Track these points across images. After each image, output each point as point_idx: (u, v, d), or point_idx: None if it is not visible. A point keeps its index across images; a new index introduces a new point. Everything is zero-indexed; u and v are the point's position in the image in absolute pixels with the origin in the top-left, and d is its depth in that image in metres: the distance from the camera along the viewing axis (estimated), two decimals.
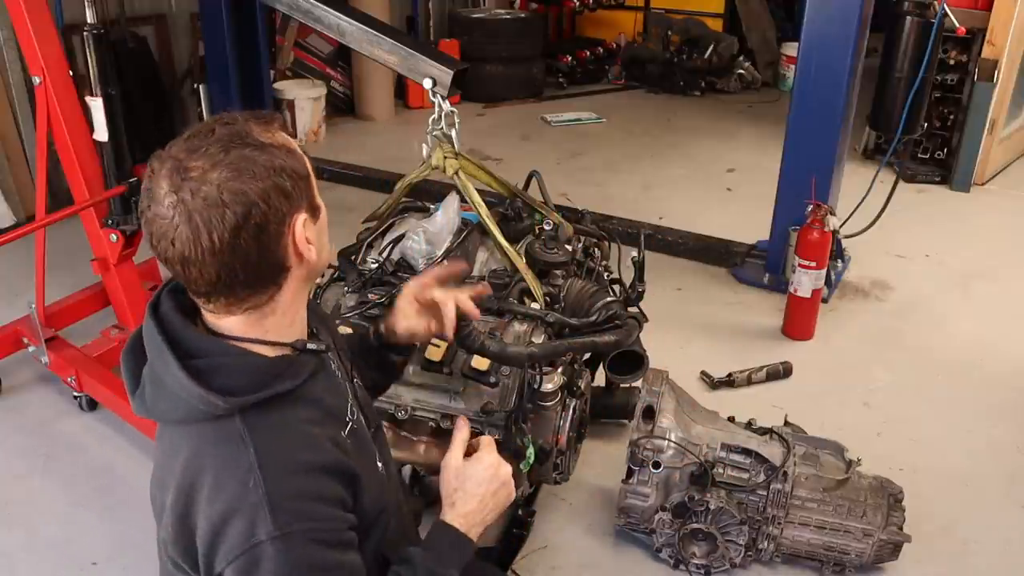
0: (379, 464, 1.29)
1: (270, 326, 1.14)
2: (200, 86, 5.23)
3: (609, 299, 2.12)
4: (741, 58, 7.74)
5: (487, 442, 1.39)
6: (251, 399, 1.07)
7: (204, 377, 1.06)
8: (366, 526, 1.18)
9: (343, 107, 6.89)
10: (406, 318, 1.51)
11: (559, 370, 2.11)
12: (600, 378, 2.61)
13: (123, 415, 2.78)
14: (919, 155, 5.26)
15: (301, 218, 1.09)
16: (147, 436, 2.64)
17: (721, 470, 2.22)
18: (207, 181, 1.01)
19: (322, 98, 6.19)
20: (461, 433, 1.39)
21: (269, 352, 1.13)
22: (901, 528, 2.20)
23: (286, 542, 1.02)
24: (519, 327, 2.06)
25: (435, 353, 2.03)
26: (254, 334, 1.13)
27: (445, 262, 2.12)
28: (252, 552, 1.01)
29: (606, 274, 2.47)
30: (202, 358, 1.09)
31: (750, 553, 2.26)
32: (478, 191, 2.19)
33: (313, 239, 1.12)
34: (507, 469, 1.37)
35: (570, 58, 7.82)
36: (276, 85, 6.01)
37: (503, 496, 1.36)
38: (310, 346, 1.17)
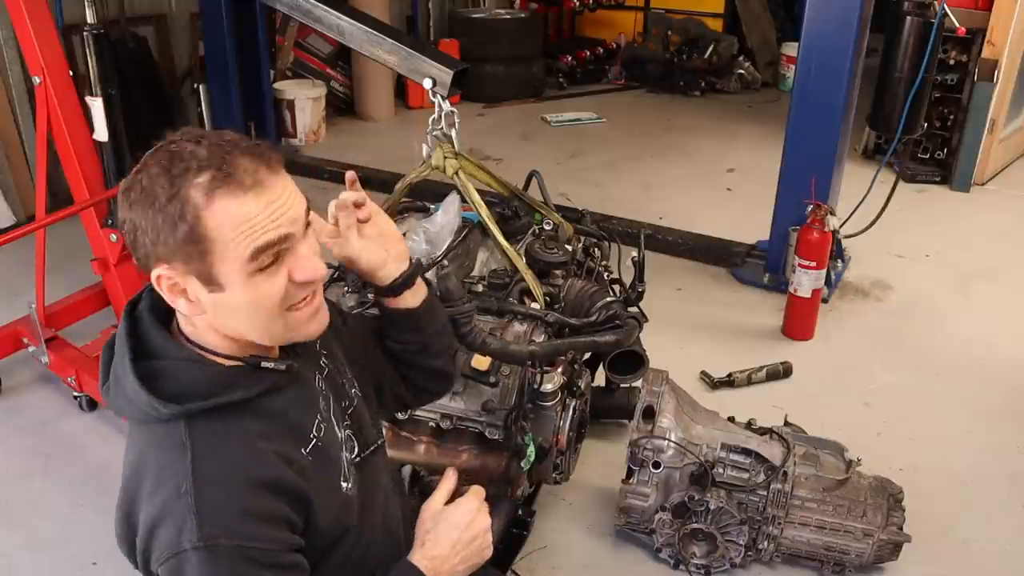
0: (343, 484, 1.22)
1: (222, 339, 1.12)
2: (200, 86, 5.25)
3: (609, 299, 2.12)
4: (741, 58, 7.74)
5: (474, 491, 1.33)
6: (197, 406, 1.06)
7: (154, 380, 1.07)
8: (323, 546, 1.16)
9: (343, 107, 6.89)
10: (342, 252, 1.32)
11: (559, 370, 2.11)
12: (600, 378, 2.61)
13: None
14: (919, 155, 5.26)
15: (165, 271, 1.04)
16: None
17: (721, 470, 2.22)
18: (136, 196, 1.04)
19: (322, 98, 6.19)
20: (447, 482, 1.34)
21: (226, 361, 1.12)
22: (901, 528, 2.20)
23: (210, 553, 1.01)
24: (519, 327, 2.06)
25: None
26: (214, 342, 1.12)
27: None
28: (178, 558, 1.02)
29: (606, 274, 2.47)
30: (159, 360, 1.09)
31: (750, 553, 2.26)
32: (478, 191, 2.19)
33: (198, 299, 1.06)
34: (486, 521, 1.31)
35: (570, 58, 7.82)
36: (276, 85, 6.01)
37: (477, 548, 1.29)
38: (264, 364, 1.13)
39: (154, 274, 1.05)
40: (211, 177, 1.00)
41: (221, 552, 1.01)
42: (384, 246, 1.32)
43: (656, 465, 2.22)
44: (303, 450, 1.14)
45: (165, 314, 1.13)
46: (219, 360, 1.12)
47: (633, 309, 2.22)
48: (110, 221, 2.99)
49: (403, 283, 1.35)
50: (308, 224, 1.11)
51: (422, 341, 1.43)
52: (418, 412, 2.06)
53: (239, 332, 1.10)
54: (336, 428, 1.25)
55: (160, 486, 1.04)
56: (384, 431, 1.49)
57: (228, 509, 1.03)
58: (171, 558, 1.02)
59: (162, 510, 1.03)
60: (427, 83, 2.20)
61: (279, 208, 1.04)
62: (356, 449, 1.29)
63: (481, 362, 2.00)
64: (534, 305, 2.10)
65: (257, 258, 1.03)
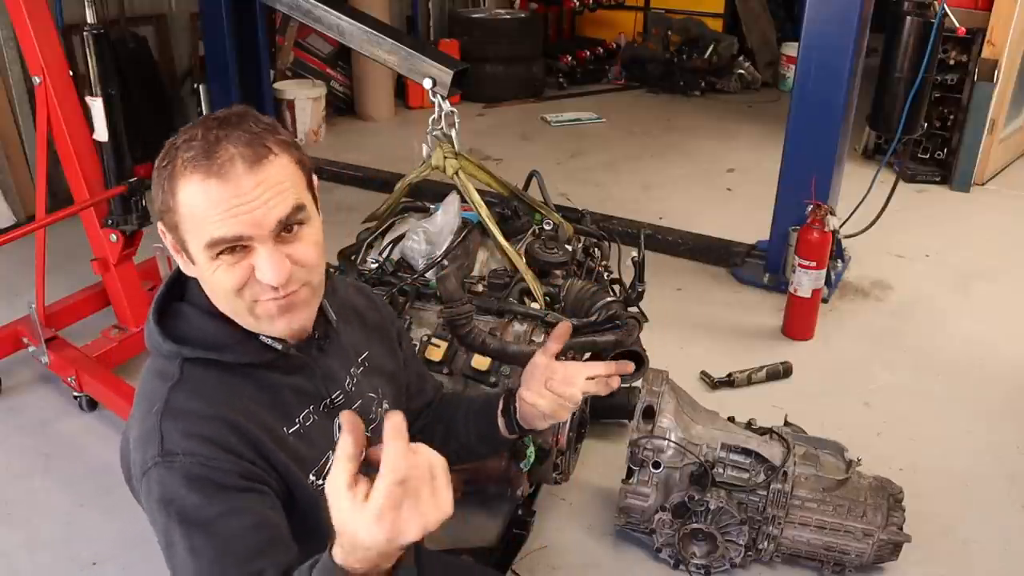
0: (311, 477, 1.18)
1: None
2: (200, 86, 5.25)
3: (609, 299, 2.12)
4: (741, 58, 7.74)
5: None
6: (193, 352, 1.12)
7: (172, 318, 1.16)
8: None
9: (343, 107, 6.89)
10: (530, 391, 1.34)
11: None
12: None
13: (123, 415, 2.77)
14: (919, 155, 5.25)
15: (160, 227, 1.11)
16: None
17: (721, 470, 2.22)
18: None
19: (322, 98, 6.19)
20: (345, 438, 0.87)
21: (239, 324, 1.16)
22: (901, 528, 2.20)
23: (168, 468, 1.04)
24: (519, 327, 2.06)
25: (435, 353, 2.03)
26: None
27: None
28: (147, 475, 1.06)
29: (606, 274, 2.47)
30: (187, 304, 1.17)
31: (750, 553, 2.26)
32: (478, 191, 2.19)
33: (189, 264, 1.12)
34: (343, 501, 0.82)
35: (570, 58, 7.82)
36: (276, 85, 6.01)
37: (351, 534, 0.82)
38: (263, 339, 1.16)
39: (158, 226, 1.13)
40: (195, 155, 1.02)
41: (177, 468, 1.04)
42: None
43: (656, 465, 2.22)
44: (286, 428, 1.17)
45: None
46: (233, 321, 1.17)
47: (633, 309, 2.22)
48: (110, 221, 2.99)
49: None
50: (291, 225, 1.07)
51: (476, 451, 1.51)
52: None
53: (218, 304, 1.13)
54: (336, 429, 1.24)
55: (141, 408, 1.12)
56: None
57: (187, 431, 1.06)
58: (143, 477, 1.06)
59: (139, 430, 1.10)
60: (427, 83, 2.21)
61: (241, 206, 1.02)
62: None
63: (481, 362, 2.00)
64: (534, 305, 2.10)
65: (213, 248, 1.05)
